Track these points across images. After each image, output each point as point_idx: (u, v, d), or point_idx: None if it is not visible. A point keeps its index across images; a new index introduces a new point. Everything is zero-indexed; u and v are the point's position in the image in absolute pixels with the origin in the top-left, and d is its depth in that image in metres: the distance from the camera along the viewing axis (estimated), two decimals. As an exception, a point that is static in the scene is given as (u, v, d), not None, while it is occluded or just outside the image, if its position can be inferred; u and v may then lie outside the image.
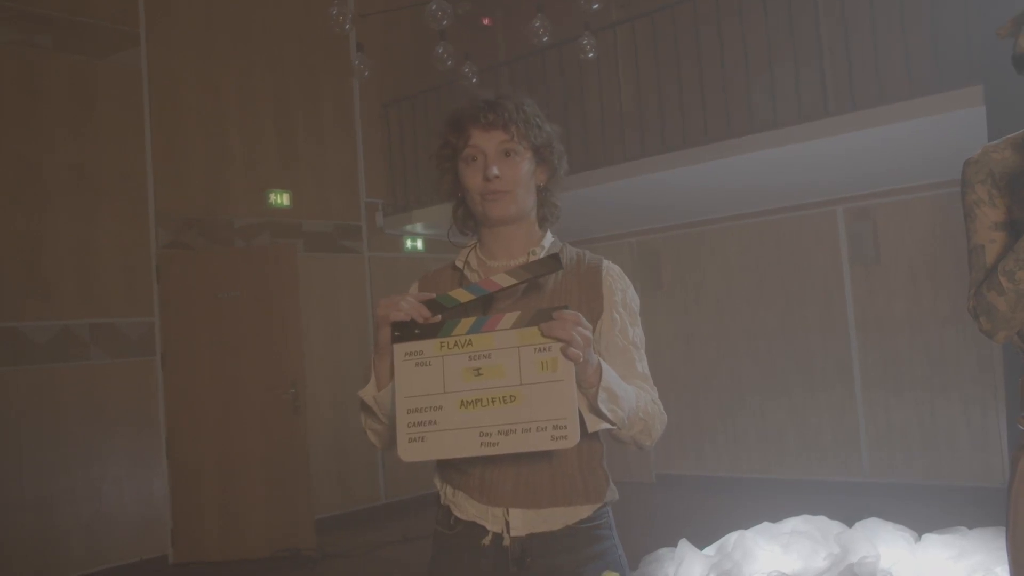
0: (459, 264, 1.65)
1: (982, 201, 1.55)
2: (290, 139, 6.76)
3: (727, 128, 5.59)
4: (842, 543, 3.96)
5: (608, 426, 1.44)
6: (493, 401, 1.36)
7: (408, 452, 1.38)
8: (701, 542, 4.33)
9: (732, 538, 4.25)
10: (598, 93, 6.60)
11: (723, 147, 5.47)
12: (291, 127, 6.78)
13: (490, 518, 1.53)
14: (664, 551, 4.26)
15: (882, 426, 6.39)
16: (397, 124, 7.33)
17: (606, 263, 1.62)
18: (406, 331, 1.41)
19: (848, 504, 5.15)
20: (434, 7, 4.72)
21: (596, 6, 4.81)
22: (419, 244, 7.57)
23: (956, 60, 4.89)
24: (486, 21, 7.97)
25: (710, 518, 5.42)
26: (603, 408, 1.39)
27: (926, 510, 5.17)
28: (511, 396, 1.35)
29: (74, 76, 5.63)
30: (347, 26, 4.93)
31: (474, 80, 5.83)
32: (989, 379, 5.82)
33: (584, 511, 1.54)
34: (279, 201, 6.60)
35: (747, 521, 4.56)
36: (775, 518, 4.54)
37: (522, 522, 1.52)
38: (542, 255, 1.59)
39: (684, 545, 4.19)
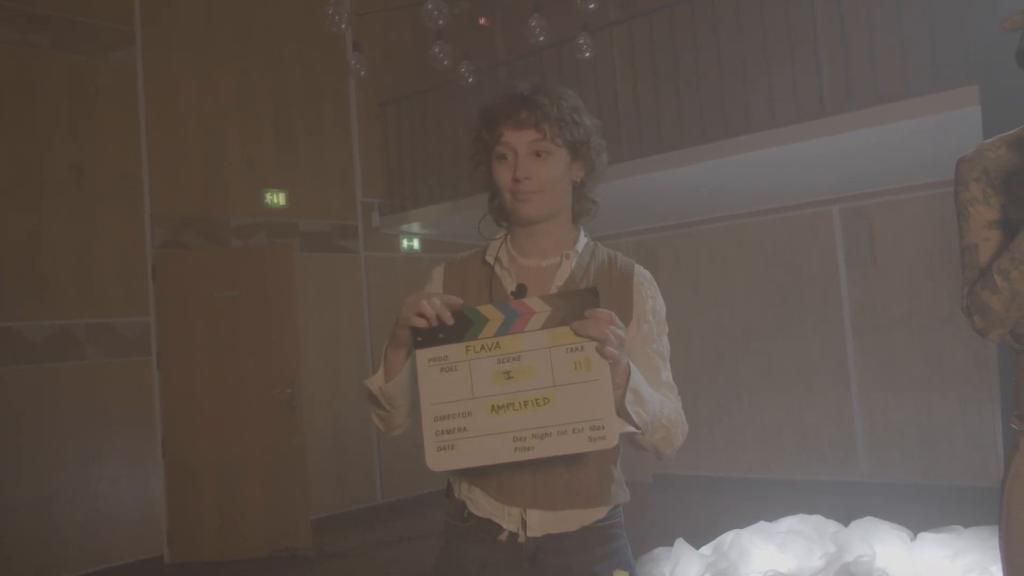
0: (489, 259, 1.60)
1: (976, 199, 1.55)
2: (288, 139, 6.76)
3: (724, 128, 5.59)
4: (838, 542, 3.97)
5: (632, 429, 1.42)
6: (526, 404, 1.31)
7: (437, 461, 1.34)
8: (697, 541, 4.33)
9: (728, 537, 4.25)
10: (596, 93, 6.59)
11: (720, 147, 5.48)
12: (289, 127, 6.77)
13: (506, 517, 1.52)
14: (660, 551, 4.26)
15: (879, 426, 6.40)
16: (394, 124, 7.32)
17: (638, 268, 1.60)
18: (429, 336, 1.35)
19: (845, 504, 5.15)
20: (430, 7, 4.71)
21: (592, 6, 4.80)
22: (415, 244, 7.56)
23: (952, 60, 4.89)
24: (483, 21, 7.97)
25: (706, 518, 5.42)
26: (629, 409, 1.38)
27: (923, 510, 5.17)
28: (544, 398, 1.31)
29: (72, 76, 5.62)
30: (343, 26, 4.92)
31: (471, 80, 5.82)
32: (986, 379, 5.83)
33: (600, 512, 1.55)
34: (275, 201, 6.60)
35: (743, 520, 4.57)
36: (771, 517, 4.55)
37: (539, 522, 1.51)
38: (574, 259, 1.57)
39: (680, 545, 4.20)
